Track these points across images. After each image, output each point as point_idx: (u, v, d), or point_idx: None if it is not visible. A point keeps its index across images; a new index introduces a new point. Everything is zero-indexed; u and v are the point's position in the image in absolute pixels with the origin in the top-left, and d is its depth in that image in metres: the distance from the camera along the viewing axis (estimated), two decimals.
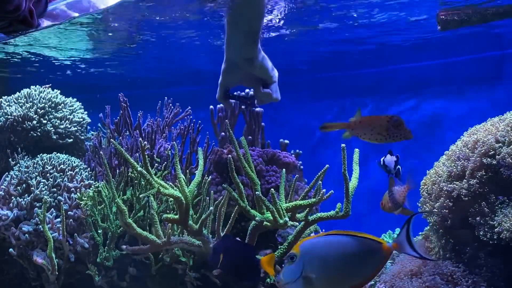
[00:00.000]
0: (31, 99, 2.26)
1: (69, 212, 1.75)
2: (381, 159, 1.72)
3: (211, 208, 1.44)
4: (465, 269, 1.60)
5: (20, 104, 2.24)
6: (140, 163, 1.52)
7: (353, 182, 1.37)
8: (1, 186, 1.83)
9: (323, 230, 1.77)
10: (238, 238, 1.50)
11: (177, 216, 1.43)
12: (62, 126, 2.26)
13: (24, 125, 2.20)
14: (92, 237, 1.74)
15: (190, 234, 1.50)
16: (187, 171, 1.80)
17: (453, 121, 3.84)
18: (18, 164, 2.00)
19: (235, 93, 1.80)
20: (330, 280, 0.97)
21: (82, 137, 2.36)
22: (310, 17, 2.59)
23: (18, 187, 1.82)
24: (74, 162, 1.96)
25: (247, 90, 1.79)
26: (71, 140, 2.28)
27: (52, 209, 1.78)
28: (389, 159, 1.72)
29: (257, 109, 1.88)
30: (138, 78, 4.67)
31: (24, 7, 0.55)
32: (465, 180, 1.61)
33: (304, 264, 0.97)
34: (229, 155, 1.69)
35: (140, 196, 1.70)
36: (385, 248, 1.00)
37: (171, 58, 3.84)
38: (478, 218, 1.57)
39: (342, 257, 0.97)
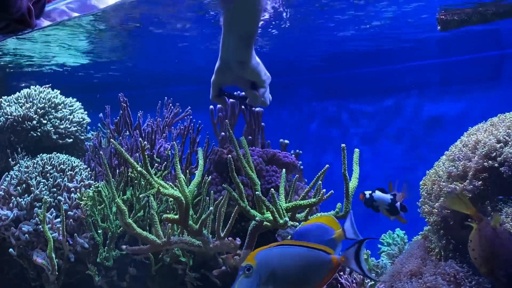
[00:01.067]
0: (31, 99, 2.26)
1: (69, 212, 1.75)
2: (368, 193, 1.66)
3: (211, 208, 1.44)
4: (468, 270, 1.60)
5: (20, 104, 2.24)
6: (140, 163, 1.52)
7: (353, 182, 1.37)
8: (1, 186, 1.84)
9: None
10: None
11: (177, 216, 1.43)
12: (62, 126, 2.26)
13: (24, 125, 2.20)
14: (92, 237, 1.74)
15: (190, 234, 1.50)
16: (187, 171, 1.80)
17: (453, 121, 3.84)
18: (18, 164, 2.00)
19: (234, 93, 1.80)
20: None
21: (82, 137, 2.36)
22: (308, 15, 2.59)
23: (18, 187, 1.82)
24: (74, 162, 1.96)
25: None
26: (71, 140, 2.28)
27: (52, 209, 1.78)
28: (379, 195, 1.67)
29: (257, 109, 1.88)
30: (138, 77, 4.67)
31: (23, 7, 0.55)
32: (467, 180, 1.60)
33: (261, 276, 0.96)
34: (229, 155, 1.69)
35: (140, 196, 1.70)
36: (334, 260, 1.03)
37: (171, 57, 3.84)
38: None
39: (295, 268, 0.98)
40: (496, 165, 1.56)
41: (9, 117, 2.20)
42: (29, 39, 2.82)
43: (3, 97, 2.30)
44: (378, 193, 1.60)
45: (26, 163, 1.92)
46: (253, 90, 1.49)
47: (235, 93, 1.79)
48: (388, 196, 1.59)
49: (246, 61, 1.42)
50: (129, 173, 1.77)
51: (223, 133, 1.89)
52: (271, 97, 1.56)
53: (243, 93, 1.79)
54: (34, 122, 2.20)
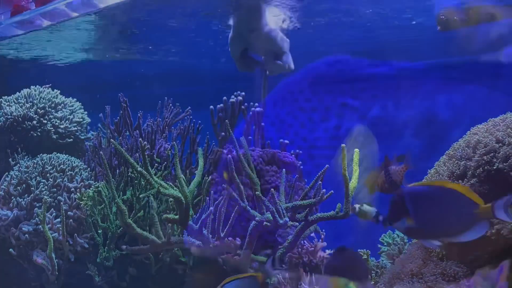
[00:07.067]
0: (31, 99, 2.26)
1: (69, 212, 1.75)
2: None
3: (211, 208, 1.44)
4: (467, 270, 1.60)
5: (20, 104, 2.24)
6: (140, 163, 1.52)
7: (353, 182, 1.37)
8: (1, 186, 1.84)
9: (323, 230, 1.77)
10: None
11: (177, 216, 1.43)
12: (62, 126, 2.26)
13: (24, 125, 2.20)
14: (92, 237, 1.74)
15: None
16: (187, 171, 1.79)
17: (454, 121, 3.84)
18: (18, 164, 2.00)
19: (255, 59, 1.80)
20: None
21: (82, 137, 2.36)
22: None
23: (18, 187, 1.82)
24: (74, 162, 1.96)
25: None
26: (71, 140, 2.28)
27: (52, 209, 1.78)
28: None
29: (257, 109, 1.87)
30: (138, 77, 4.67)
31: None
32: (466, 180, 1.60)
33: None
34: (229, 155, 1.69)
35: (140, 196, 1.70)
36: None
37: (171, 58, 3.84)
38: None
39: None
40: (495, 165, 1.56)
41: (9, 117, 2.20)
42: (28, 39, 2.82)
43: (3, 97, 2.30)
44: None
45: (26, 163, 1.92)
46: (276, 60, 1.52)
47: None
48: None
49: (258, 29, 1.45)
50: (129, 173, 1.77)
51: (223, 133, 1.89)
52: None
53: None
54: (34, 122, 2.20)
